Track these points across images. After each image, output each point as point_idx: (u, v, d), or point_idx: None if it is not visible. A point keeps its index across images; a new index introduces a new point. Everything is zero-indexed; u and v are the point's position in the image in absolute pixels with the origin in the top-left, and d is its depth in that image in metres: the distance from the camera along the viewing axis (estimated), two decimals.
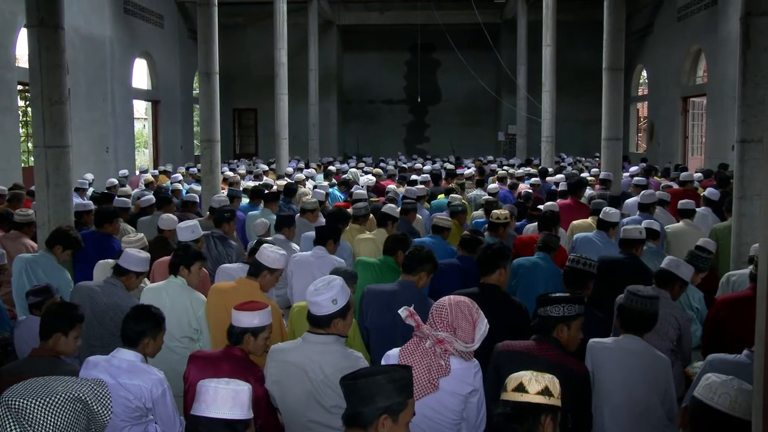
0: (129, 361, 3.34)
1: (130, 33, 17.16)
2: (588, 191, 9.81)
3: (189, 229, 5.67)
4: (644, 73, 21.44)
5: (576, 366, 3.25)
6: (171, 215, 6.83)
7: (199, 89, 10.36)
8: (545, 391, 2.23)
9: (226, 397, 2.28)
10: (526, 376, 2.27)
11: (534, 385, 2.23)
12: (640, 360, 3.45)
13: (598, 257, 4.93)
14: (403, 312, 2.98)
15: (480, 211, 8.57)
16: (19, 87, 12.38)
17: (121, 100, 16.62)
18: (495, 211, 6.81)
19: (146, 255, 4.64)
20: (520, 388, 2.24)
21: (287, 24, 16.56)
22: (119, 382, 3.23)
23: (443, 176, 11.97)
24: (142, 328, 3.45)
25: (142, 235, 5.66)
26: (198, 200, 8.95)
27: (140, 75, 18.78)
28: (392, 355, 3.02)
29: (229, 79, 21.92)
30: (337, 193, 10.93)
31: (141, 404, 3.24)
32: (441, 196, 9.76)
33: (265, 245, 4.50)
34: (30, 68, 6.69)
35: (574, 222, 7.13)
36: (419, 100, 23.57)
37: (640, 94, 22.10)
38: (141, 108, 20.28)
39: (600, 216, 6.38)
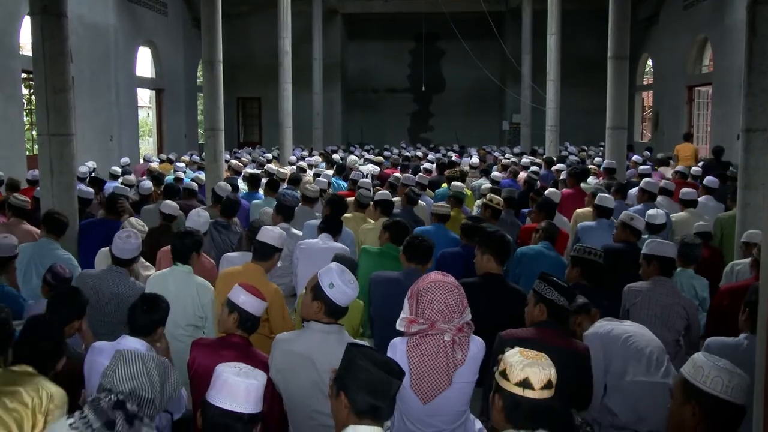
0: (135, 349, 3.35)
1: (134, 21, 17.12)
2: (593, 180, 9.79)
3: (200, 219, 5.76)
4: (649, 62, 21.33)
5: (580, 346, 3.34)
6: (173, 202, 6.86)
7: (202, 78, 10.36)
8: (548, 384, 2.20)
9: (239, 390, 2.31)
10: (530, 368, 2.22)
11: (538, 379, 2.20)
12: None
13: (601, 247, 4.94)
14: (401, 324, 2.91)
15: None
16: (23, 75, 12.38)
17: (125, 89, 16.61)
18: (490, 194, 6.83)
19: (135, 242, 4.61)
20: (526, 383, 2.20)
21: (291, 13, 16.51)
22: None
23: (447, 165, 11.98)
24: (157, 317, 3.49)
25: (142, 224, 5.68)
26: (197, 188, 8.96)
27: (144, 63, 18.75)
28: (398, 345, 2.95)
29: (233, 68, 21.88)
30: (341, 181, 10.93)
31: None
32: (445, 185, 9.76)
33: (264, 227, 4.55)
34: (33, 56, 6.69)
35: (578, 210, 7.12)
36: (424, 89, 23.50)
37: (645, 83, 22.00)
38: (145, 96, 20.28)
39: (596, 202, 6.39)
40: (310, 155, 16.02)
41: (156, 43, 18.70)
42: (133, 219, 6.08)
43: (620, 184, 8.38)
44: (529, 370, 2.19)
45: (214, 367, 2.50)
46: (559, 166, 11.75)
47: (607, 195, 6.57)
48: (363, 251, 5.43)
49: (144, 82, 18.38)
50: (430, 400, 2.84)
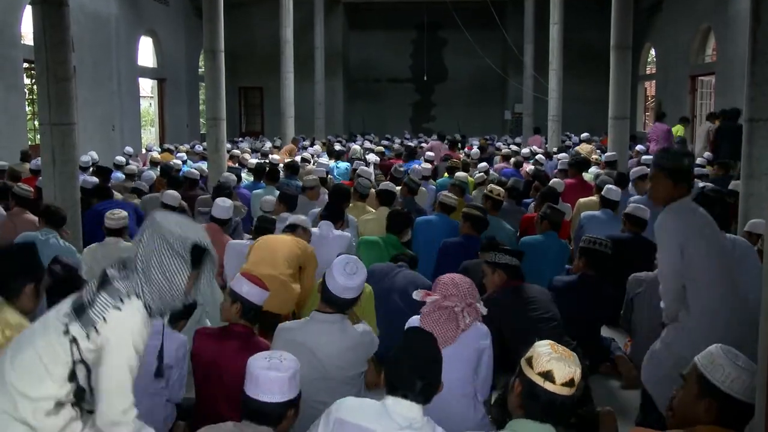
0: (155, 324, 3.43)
1: (136, 10, 17.07)
2: (594, 169, 9.78)
3: (226, 209, 5.99)
4: (652, 52, 21.25)
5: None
6: (175, 192, 6.87)
7: (204, 67, 10.34)
8: (570, 382, 2.18)
9: (272, 384, 2.51)
10: (557, 362, 2.20)
11: (561, 374, 2.19)
12: None
13: (606, 237, 4.96)
14: (417, 294, 3.23)
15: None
16: (25, 65, 12.36)
17: (127, 78, 16.59)
18: (491, 185, 6.84)
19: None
20: (548, 376, 2.19)
21: (293, 2, 16.45)
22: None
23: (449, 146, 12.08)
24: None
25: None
26: (198, 177, 8.98)
27: (146, 53, 18.72)
28: (413, 319, 3.29)
29: (234, 58, 21.83)
30: (341, 164, 11.02)
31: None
32: (446, 175, 9.77)
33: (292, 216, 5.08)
34: (35, 46, 6.67)
35: (581, 200, 7.13)
36: (425, 78, 23.43)
37: (648, 73, 21.92)
38: (147, 86, 20.24)
39: (603, 194, 6.41)
40: (312, 145, 16.01)
41: (157, 32, 18.66)
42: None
43: (621, 174, 8.38)
44: (555, 363, 2.19)
45: (216, 357, 2.56)
46: (561, 156, 11.73)
47: (613, 187, 6.58)
48: (362, 242, 5.45)
49: (146, 72, 18.34)
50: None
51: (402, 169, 9.15)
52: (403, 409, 2.33)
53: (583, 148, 13.31)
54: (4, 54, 11.66)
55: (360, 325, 3.43)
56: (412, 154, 12.56)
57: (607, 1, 10.45)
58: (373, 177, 8.92)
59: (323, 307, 3.27)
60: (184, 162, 12.03)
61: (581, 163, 8.71)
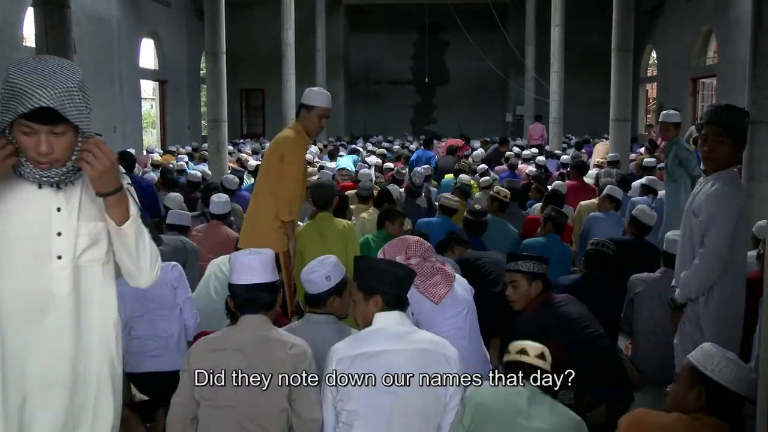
0: None
1: (137, 12, 17.09)
2: (594, 171, 9.79)
3: (222, 203, 6.12)
4: (653, 54, 21.26)
5: None
6: (177, 194, 6.86)
7: (206, 69, 10.36)
8: (542, 356, 2.64)
9: (254, 265, 2.81)
10: (529, 343, 2.70)
11: (533, 348, 2.66)
12: None
13: (608, 239, 4.98)
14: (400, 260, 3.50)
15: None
16: None
17: (128, 80, 16.60)
18: (498, 187, 6.85)
19: None
20: (523, 351, 2.66)
21: (294, 4, 16.47)
22: None
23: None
24: None
25: None
26: (200, 179, 8.97)
27: (147, 55, 18.73)
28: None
29: (236, 60, 21.82)
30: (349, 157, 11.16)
31: (169, 286, 3.96)
32: (449, 176, 9.76)
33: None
34: (36, 47, 6.70)
35: (582, 203, 7.14)
36: (427, 81, 23.44)
37: (649, 75, 21.93)
38: (148, 88, 20.26)
39: (608, 193, 6.44)
40: (313, 144, 16.00)
41: (159, 34, 18.67)
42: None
43: (623, 176, 8.39)
44: (527, 343, 2.69)
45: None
46: (563, 158, 11.73)
47: (616, 187, 6.64)
48: (363, 244, 5.45)
49: (147, 74, 18.36)
50: (440, 299, 3.55)
51: (404, 171, 9.15)
52: (394, 317, 2.71)
53: (599, 150, 13.30)
54: (5, 56, 11.66)
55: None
56: (429, 143, 12.83)
57: (608, 3, 10.46)
58: (373, 179, 8.92)
59: (311, 309, 3.31)
60: (186, 163, 12.03)
61: (582, 166, 8.73)
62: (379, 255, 3.65)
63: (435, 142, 15.25)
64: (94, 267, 2.13)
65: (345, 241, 4.98)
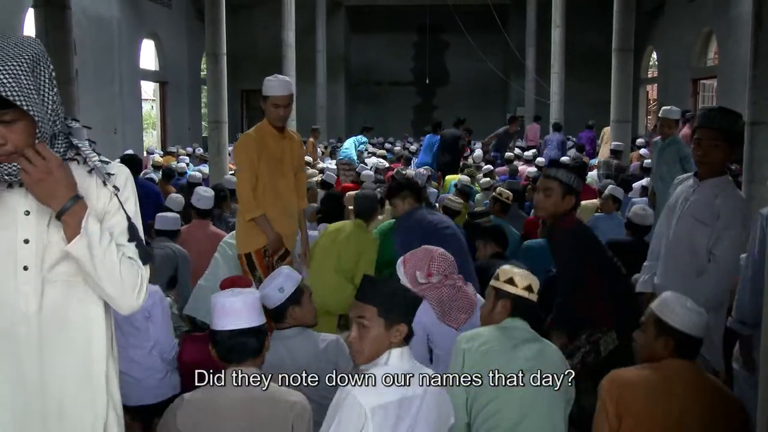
0: None
1: (138, 13, 17.10)
2: (594, 173, 9.80)
3: (209, 198, 5.97)
4: (654, 55, 21.24)
5: None
6: (178, 195, 6.85)
7: (206, 70, 10.35)
8: (529, 288, 2.79)
9: (239, 309, 2.52)
10: (518, 272, 2.86)
11: (522, 281, 2.81)
12: None
13: (606, 240, 4.97)
14: (421, 277, 3.39)
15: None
16: None
17: (129, 81, 16.60)
18: (500, 188, 6.86)
19: None
20: (510, 281, 2.81)
21: (295, 5, 16.47)
22: None
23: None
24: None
25: None
26: (200, 181, 8.97)
27: (148, 56, 18.74)
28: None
29: (236, 60, 21.80)
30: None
31: (141, 316, 3.57)
32: (452, 177, 9.76)
33: None
34: None
35: (583, 202, 7.13)
36: (427, 82, 23.43)
37: (649, 76, 21.91)
38: (149, 89, 20.26)
39: (611, 193, 6.46)
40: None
41: (159, 35, 18.68)
42: None
43: (624, 179, 8.39)
44: (516, 271, 2.84)
45: (202, 360, 2.55)
46: (563, 159, 11.72)
47: (617, 186, 6.66)
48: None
49: (147, 75, 18.36)
50: (461, 325, 3.30)
51: (404, 172, 9.13)
52: (407, 353, 2.39)
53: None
54: None
55: (326, 335, 3.33)
56: (437, 128, 12.96)
57: (608, 4, 10.45)
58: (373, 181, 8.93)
59: (277, 326, 3.23)
60: (187, 164, 12.03)
61: (581, 167, 8.75)
62: (399, 264, 3.48)
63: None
64: (69, 283, 1.84)
65: (360, 251, 4.96)
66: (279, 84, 4.43)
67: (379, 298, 2.31)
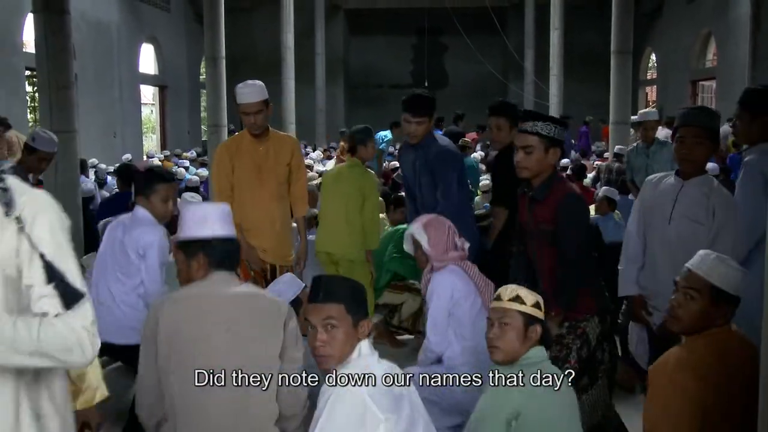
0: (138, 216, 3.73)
1: (137, 18, 17.12)
2: (592, 175, 9.81)
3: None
4: (653, 57, 21.27)
5: None
6: (194, 194, 6.87)
7: (205, 74, 10.36)
8: (516, 298, 2.54)
9: (227, 215, 2.55)
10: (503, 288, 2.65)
11: (506, 292, 2.58)
12: None
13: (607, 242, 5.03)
14: (454, 255, 3.59)
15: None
16: (27, 72, 12.39)
17: (128, 86, 16.62)
18: None
19: None
20: (498, 297, 2.60)
21: (293, 8, 16.49)
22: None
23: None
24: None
25: None
26: (198, 184, 8.99)
27: (147, 60, 18.76)
28: (455, 272, 3.62)
29: (235, 64, 21.81)
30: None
31: (136, 252, 3.62)
32: None
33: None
34: (36, 53, 6.71)
35: None
36: (426, 84, 23.43)
37: (648, 78, 21.93)
38: (148, 93, 20.28)
39: (606, 195, 6.48)
40: (314, 151, 16.03)
41: (159, 39, 18.70)
42: None
43: (624, 181, 8.41)
44: (501, 289, 2.62)
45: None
46: (563, 162, 11.73)
47: (614, 189, 6.67)
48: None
49: (147, 79, 18.38)
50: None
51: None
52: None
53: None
54: (5, 62, 11.69)
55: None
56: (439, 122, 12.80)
57: (607, 5, 10.46)
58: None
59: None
60: (186, 168, 12.03)
61: (581, 169, 8.76)
62: (420, 228, 3.61)
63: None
64: None
65: (363, 193, 4.87)
66: (247, 91, 4.32)
67: (345, 296, 2.24)
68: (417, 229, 3.60)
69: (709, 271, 2.45)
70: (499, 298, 2.59)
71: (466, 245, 3.63)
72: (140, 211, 3.72)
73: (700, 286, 2.45)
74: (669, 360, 2.42)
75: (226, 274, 2.49)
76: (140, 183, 3.82)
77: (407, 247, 3.72)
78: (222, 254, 2.49)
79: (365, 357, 2.24)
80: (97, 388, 2.57)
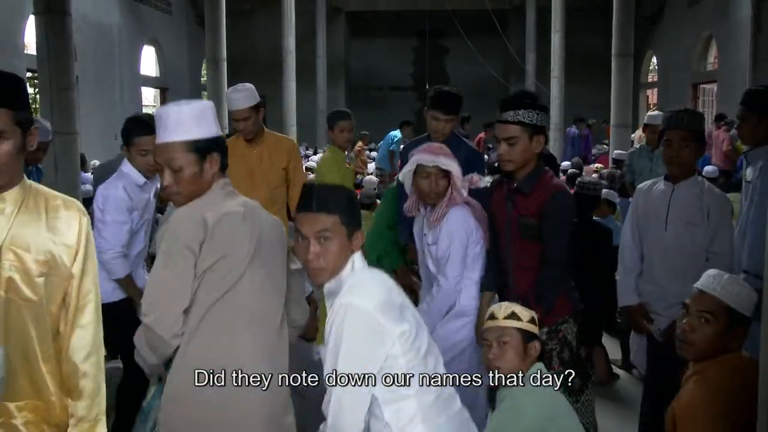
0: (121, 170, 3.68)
1: (138, 20, 17.14)
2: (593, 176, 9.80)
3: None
4: (654, 60, 21.27)
5: None
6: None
7: (206, 76, 10.37)
8: (512, 315, 2.48)
9: (209, 113, 2.34)
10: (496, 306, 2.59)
11: (501, 311, 2.51)
12: None
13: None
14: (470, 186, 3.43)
15: None
16: (28, 74, 12.40)
17: (129, 88, 16.64)
18: None
19: None
20: (492, 316, 2.52)
21: (295, 10, 16.51)
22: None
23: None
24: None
25: None
26: None
27: (148, 62, 18.78)
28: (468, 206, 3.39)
29: (236, 66, 21.84)
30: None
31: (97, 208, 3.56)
32: None
33: None
34: (38, 55, 6.72)
35: None
36: (427, 86, 23.44)
37: (649, 80, 21.93)
38: (149, 95, 20.29)
39: (606, 198, 6.50)
40: (315, 153, 16.03)
41: (160, 41, 18.72)
42: None
43: (623, 184, 8.42)
44: (495, 308, 2.55)
45: None
46: (563, 164, 11.74)
47: (613, 192, 6.68)
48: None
49: (148, 81, 18.40)
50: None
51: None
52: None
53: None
54: (7, 63, 11.69)
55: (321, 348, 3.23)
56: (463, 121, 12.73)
57: (608, 8, 10.48)
58: (375, 186, 8.93)
59: None
60: None
61: (573, 178, 8.79)
62: (450, 162, 3.29)
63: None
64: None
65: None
66: (235, 97, 4.31)
67: (340, 205, 2.10)
68: (443, 159, 3.22)
69: (725, 292, 2.28)
70: (493, 317, 2.50)
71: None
72: (125, 166, 3.68)
73: (714, 308, 2.28)
74: (693, 400, 2.23)
75: (227, 180, 2.39)
76: (123, 133, 3.75)
77: (407, 185, 3.43)
78: (225, 153, 2.38)
79: (359, 272, 2.13)
80: (95, 423, 2.01)
